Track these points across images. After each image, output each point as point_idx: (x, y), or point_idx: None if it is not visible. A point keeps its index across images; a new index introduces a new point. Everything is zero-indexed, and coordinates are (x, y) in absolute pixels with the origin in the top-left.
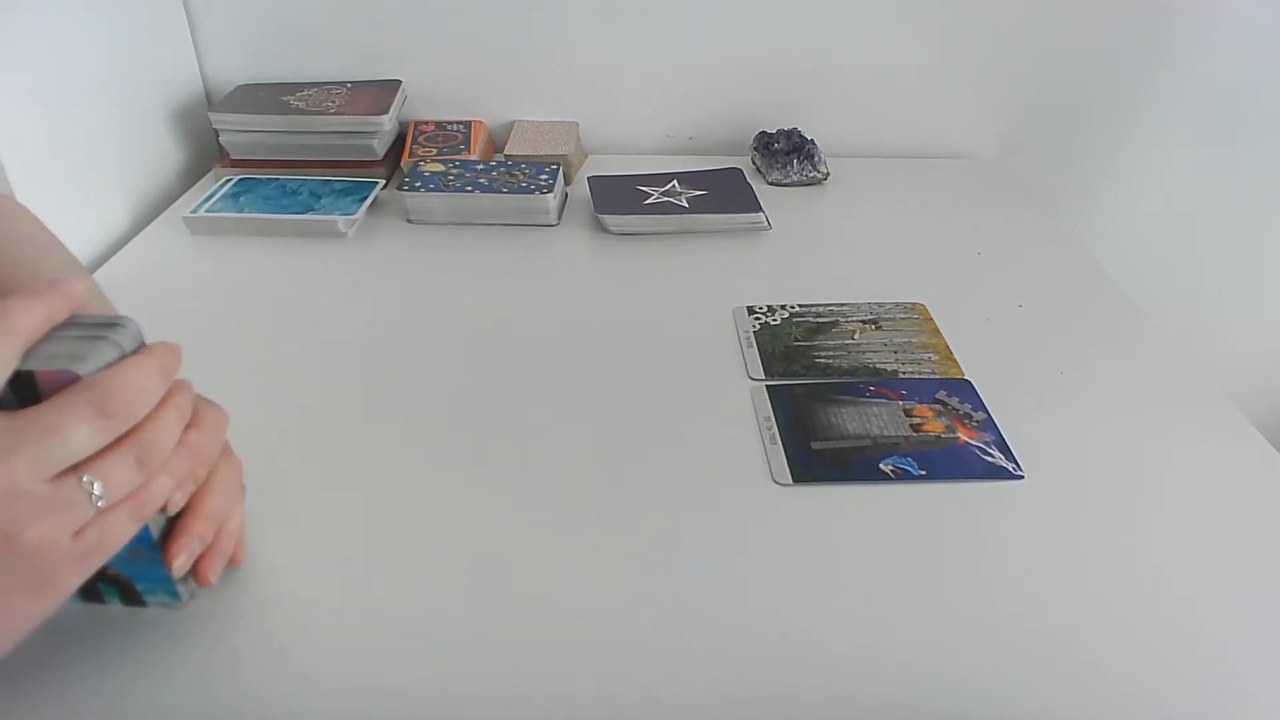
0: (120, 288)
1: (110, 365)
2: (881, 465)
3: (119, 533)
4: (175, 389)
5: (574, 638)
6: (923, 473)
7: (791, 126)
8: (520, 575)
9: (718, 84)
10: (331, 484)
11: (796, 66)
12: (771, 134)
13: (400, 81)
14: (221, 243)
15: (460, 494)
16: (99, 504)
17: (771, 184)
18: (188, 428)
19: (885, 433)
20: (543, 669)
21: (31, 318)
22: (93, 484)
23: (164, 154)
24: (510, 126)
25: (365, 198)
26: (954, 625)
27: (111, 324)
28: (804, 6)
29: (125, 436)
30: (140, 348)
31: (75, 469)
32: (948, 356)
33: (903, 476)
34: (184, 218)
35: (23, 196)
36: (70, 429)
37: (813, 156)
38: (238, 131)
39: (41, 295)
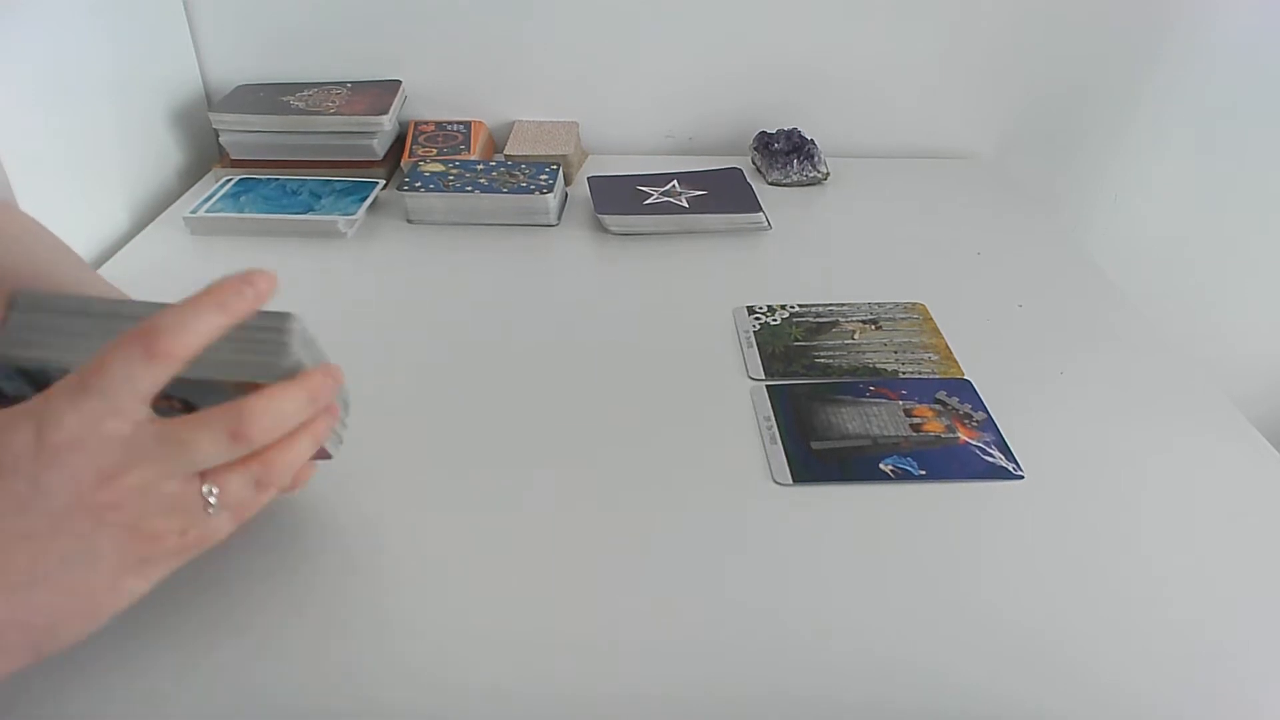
0: (120, 288)
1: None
2: (881, 465)
3: (218, 534)
4: (321, 415)
5: (572, 637)
6: (923, 473)
7: (791, 126)
8: (518, 574)
9: (718, 84)
10: (329, 483)
11: (796, 66)
12: (771, 134)
13: (400, 82)
14: (221, 243)
15: (459, 493)
16: (210, 511)
17: (771, 184)
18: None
19: (885, 433)
20: (540, 668)
21: (189, 339)
22: (211, 491)
23: (164, 154)
24: (510, 126)
25: (365, 198)
26: (954, 625)
27: (281, 328)
28: (804, 6)
29: (255, 453)
30: (301, 370)
31: (201, 475)
32: (948, 356)
33: (903, 476)
34: (184, 218)
35: (23, 197)
36: (202, 447)
37: (813, 156)
38: (238, 131)
39: (203, 308)
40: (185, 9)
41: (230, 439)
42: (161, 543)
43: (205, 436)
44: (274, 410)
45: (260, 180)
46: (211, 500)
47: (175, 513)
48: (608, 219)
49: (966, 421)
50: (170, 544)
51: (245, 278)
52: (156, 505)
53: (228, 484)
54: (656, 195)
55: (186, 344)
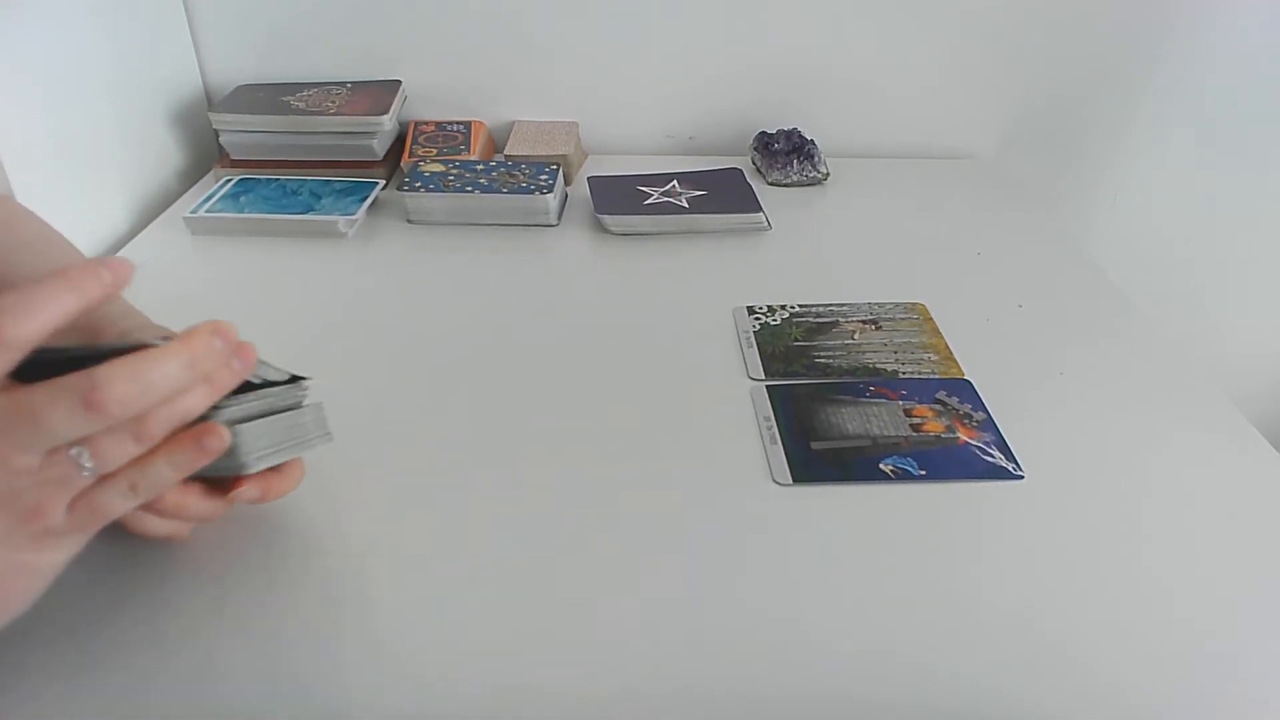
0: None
1: (126, 351)
2: (881, 465)
3: (110, 509)
4: (218, 370)
5: (572, 637)
6: (923, 473)
7: (791, 127)
8: (518, 575)
9: (718, 84)
10: (327, 483)
11: (796, 66)
12: (771, 134)
13: (400, 82)
14: (222, 243)
15: (459, 494)
16: (85, 475)
17: (771, 184)
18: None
19: (885, 433)
20: (539, 668)
21: (34, 323)
22: (81, 453)
23: (164, 154)
24: (510, 126)
25: (365, 198)
26: (954, 625)
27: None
28: (804, 6)
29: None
30: (175, 334)
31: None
32: (948, 356)
33: (903, 476)
34: (184, 218)
35: (23, 197)
36: (52, 416)
37: (813, 157)
38: (238, 132)
39: (51, 289)
40: (185, 9)
41: (84, 408)
42: (46, 515)
43: (56, 406)
44: (135, 376)
45: (260, 180)
46: (85, 464)
47: (49, 485)
48: (608, 219)
49: (966, 421)
50: (56, 516)
51: (102, 261)
52: (24, 478)
53: (99, 445)
54: (656, 195)
55: (29, 327)
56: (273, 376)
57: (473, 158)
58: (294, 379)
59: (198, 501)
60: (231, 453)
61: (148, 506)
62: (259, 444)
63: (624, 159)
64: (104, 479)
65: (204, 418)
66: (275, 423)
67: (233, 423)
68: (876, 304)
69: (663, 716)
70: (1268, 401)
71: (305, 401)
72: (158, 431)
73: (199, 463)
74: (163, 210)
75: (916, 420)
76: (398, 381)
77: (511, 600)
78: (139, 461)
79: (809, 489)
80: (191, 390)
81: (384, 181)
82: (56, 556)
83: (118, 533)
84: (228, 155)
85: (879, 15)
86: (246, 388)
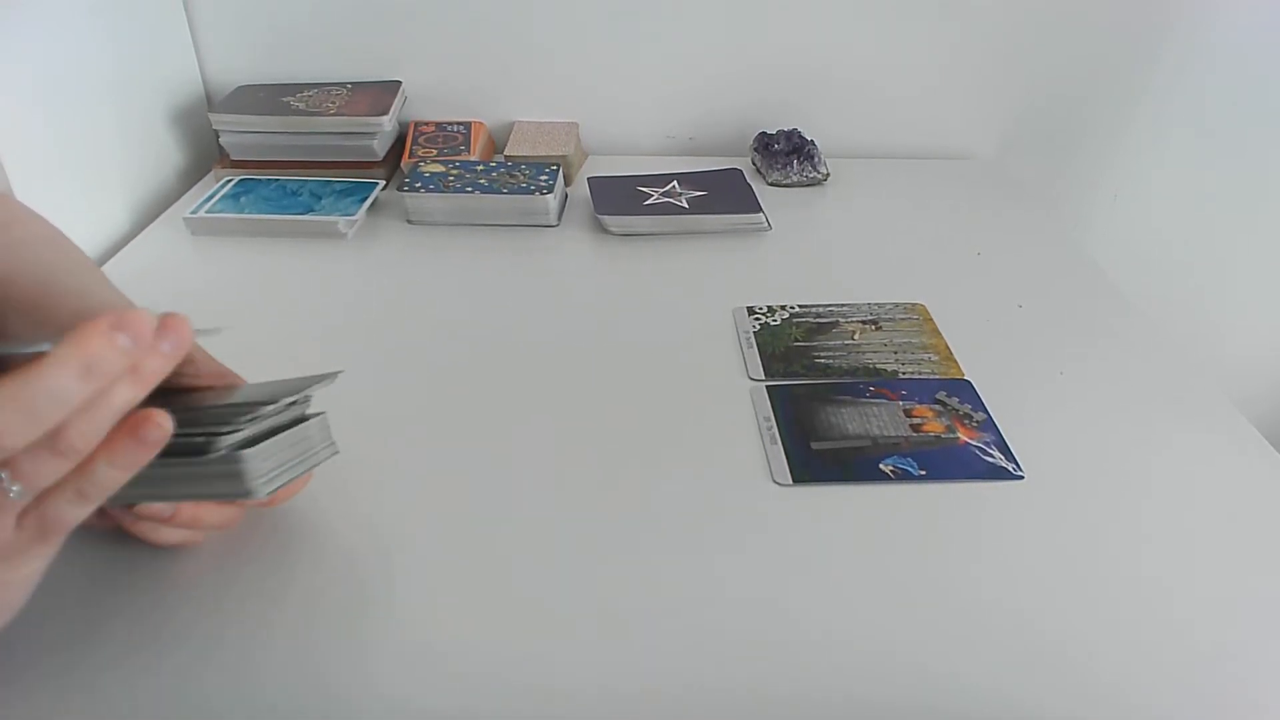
0: (121, 288)
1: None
2: (881, 465)
3: (64, 518)
4: (145, 368)
5: (571, 637)
6: (923, 473)
7: (792, 127)
8: (518, 575)
9: (718, 84)
10: (325, 483)
11: (796, 66)
12: (771, 134)
13: (400, 82)
14: (222, 243)
15: (458, 494)
16: (13, 494)
17: (771, 184)
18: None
19: (885, 433)
20: (538, 667)
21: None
22: (3, 478)
23: (164, 155)
24: (510, 127)
25: (365, 198)
26: (954, 625)
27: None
28: (804, 6)
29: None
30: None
31: None
32: (948, 356)
33: (903, 476)
34: (184, 218)
35: (23, 197)
36: None
37: (813, 157)
38: (238, 132)
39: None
40: (185, 9)
41: None
42: None
43: None
44: (17, 404)
45: (260, 181)
46: (11, 488)
47: None
48: (608, 219)
49: (966, 422)
50: (4, 534)
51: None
52: None
53: (19, 467)
54: (656, 196)
55: None
56: (284, 393)
57: (473, 158)
58: (302, 398)
59: (212, 512)
60: (239, 479)
61: (163, 519)
62: (265, 466)
63: (624, 159)
64: (48, 491)
65: (205, 447)
66: (281, 441)
67: (236, 448)
68: (876, 304)
69: (662, 716)
70: (1268, 402)
71: (308, 413)
72: (80, 442)
73: (144, 456)
74: (163, 210)
75: (916, 420)
76: (398, 382)
77: (508, 600)
78: (80, 468)
79: (809, 489)
80: (113, 388)
81: (384, 182)
82: (27, 569)
83: (120, 533)
84: (228, 155)
85: (879, 15)
86: (251, 407)
